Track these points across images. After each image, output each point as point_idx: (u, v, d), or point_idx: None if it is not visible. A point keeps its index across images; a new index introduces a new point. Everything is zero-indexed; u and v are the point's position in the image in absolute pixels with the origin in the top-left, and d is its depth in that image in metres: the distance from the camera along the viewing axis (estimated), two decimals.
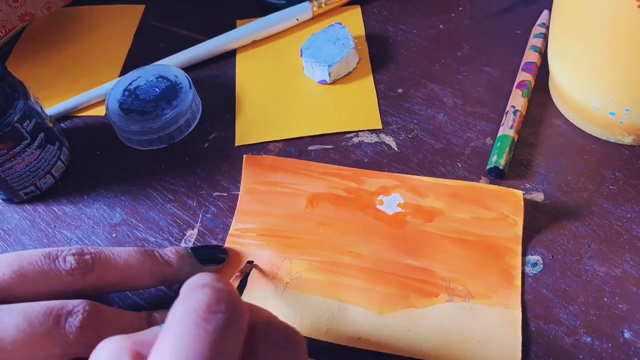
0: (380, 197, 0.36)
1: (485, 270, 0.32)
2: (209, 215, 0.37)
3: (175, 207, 0.37)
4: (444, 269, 0.32)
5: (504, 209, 0.34)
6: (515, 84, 0.40)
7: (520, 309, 0.31)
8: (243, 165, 0.38)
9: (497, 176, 0.36)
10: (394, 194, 0.36)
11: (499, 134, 0.37)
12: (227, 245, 0.35)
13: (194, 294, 0.20)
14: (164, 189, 0.38)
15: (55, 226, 0.37)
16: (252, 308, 0.23)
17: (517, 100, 0.39)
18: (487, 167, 0.36)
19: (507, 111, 0.39)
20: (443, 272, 0.32)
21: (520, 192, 0.34)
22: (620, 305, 0.30)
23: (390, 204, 0.35)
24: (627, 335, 0.29)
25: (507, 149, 0.36)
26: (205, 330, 0.19)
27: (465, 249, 0.33)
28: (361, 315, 0.31)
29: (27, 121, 0.36)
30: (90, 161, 0.41)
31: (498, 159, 0.36)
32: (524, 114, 0.39)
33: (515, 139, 0.37)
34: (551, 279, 0.32)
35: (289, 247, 0.34)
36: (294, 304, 0.32)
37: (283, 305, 0.32)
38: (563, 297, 0.31)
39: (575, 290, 0.31)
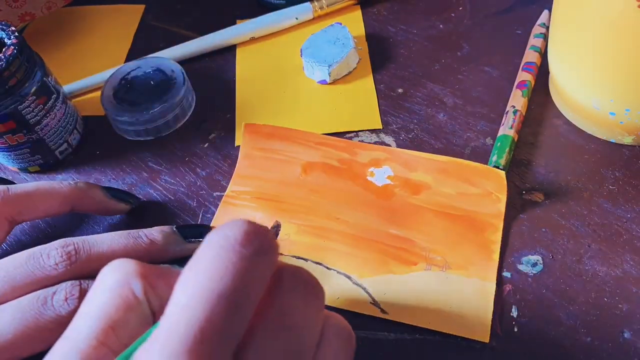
0: (372, 169, 0.37)
1: (465, 243, 0.33)
2: (209, 215, 0.36)
3: (175, 207, 0.37)
4: (425, 239, 0.34)
5: (488, 186, 0.35)
6: (515, 84, 0.40)
7: (495, 282, 0.32)
8: (242, 132, 0.39)
9: None
10: (384, 166, 0.37)
11: (499, 134, 0.37)
12: (221, 205, 0.36)
13: (231, 225, 0.20)
14: (164, 189, 0.38)
15: (55, 226, 0.37)
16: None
17: (517, 100, 0.39)
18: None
19: (507, 111, 0.39)
20: (424, 242, 0.33)
21: (502, 172, 0.35)
22: (620, 305, 0.30)
23: (380, 175, 0.36)
24: (627, 335, 0.29)
25: (507, 149, 0.36)
26: (240, 254, 0.19)
27: (448, 222, 0.34)
28: (342, 277, 0.32)
29: (50, 76, 0.38)
30: (90, 161, 0.41)
31: (498, 158, 0.36)
32: (524, 113, 0.39)
33: (515, 139, 0.37)
34: (551, 279, 0.32)
35: (280, 211, 0.35)
36: None
37: None
38: (563, 297, 0.31)
39: (575, 290, 0.31)
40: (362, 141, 0.39)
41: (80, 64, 0.48)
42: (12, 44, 0.35)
